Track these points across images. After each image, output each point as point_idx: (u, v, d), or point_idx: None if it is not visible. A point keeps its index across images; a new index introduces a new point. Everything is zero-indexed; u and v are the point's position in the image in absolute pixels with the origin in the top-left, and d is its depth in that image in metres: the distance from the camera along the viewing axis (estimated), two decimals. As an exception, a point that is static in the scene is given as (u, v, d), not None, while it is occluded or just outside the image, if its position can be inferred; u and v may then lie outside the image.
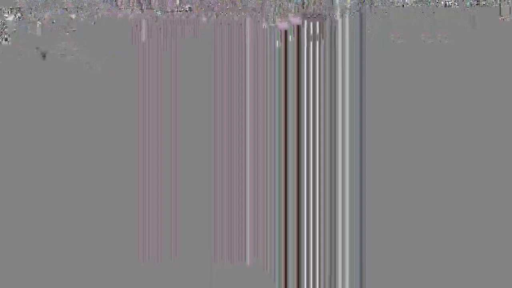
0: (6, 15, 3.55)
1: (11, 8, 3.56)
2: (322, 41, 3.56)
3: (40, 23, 3.54)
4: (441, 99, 3.60)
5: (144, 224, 3.62)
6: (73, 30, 3.37)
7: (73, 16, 3.46)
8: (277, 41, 3.54)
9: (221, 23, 3.58)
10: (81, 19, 3.51)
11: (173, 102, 3.64)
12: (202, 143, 3.64)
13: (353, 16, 3.54)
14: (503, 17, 3.48)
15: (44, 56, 3.54)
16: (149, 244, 3.62)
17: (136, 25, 3.56)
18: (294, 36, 3.56)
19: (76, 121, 3.63)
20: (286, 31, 3.54)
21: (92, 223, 3.63)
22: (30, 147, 3.64)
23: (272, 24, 3.50)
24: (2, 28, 3.54)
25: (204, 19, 3.57)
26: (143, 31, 3.56)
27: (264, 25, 3.54)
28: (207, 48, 3.63)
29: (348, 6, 3.46)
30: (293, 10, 3.51)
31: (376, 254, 3.57)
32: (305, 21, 3.56)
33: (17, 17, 3.54)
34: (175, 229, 3.63)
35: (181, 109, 3.64)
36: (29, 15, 3.54)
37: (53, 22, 3.52)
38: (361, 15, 3.55)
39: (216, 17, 3.56)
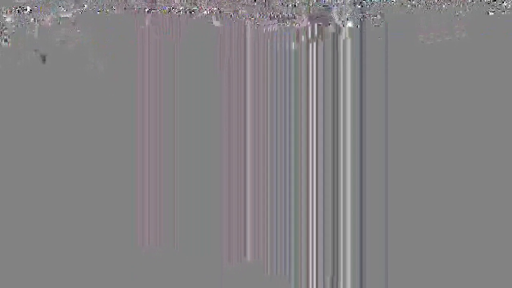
0: (5, 16, 3.48)
1: (10, 8, 3.49)
2: (324, 43, 3.58)
3: (38, 25, 3.48)
4: (442, 98, 3.64)
5: (143, 225, 3.60)
6: (75, 12, 3.33)
7: None
8: (293, 43, 3.53)
9: (224, 19, 3.57)
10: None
11: (171, 101, 3.63)
12: (201, 143, 3.63)
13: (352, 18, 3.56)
14: None
15: (44, 59, 3.49)
16: (147, 245, 3.60)
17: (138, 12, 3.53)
18: (306, 37, 3.57)
19: (75, 112, 3.59)
20: (299, 31, 3.54)
21: (90, 224, 3.59)
22: (30, 136, 3.59)
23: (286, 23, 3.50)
24: (1, 29, 3.48)
25: (213, 17, 3.56)
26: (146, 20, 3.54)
27: (274, 27, 3.54)
28: (207, 50, 3.62)
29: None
30: (303, 11, 3.52)
31: (376, 253, 3.60)
32: (311, 23, 3.57)
33: (16, 18, 3.48)
34: (173, 230, 3.61)
35: (183, 103, 3.62)
36: (28, 16, 3.48)
37: (50, 23, 3.47)
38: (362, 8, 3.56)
39: (221, 16, 3.55)
